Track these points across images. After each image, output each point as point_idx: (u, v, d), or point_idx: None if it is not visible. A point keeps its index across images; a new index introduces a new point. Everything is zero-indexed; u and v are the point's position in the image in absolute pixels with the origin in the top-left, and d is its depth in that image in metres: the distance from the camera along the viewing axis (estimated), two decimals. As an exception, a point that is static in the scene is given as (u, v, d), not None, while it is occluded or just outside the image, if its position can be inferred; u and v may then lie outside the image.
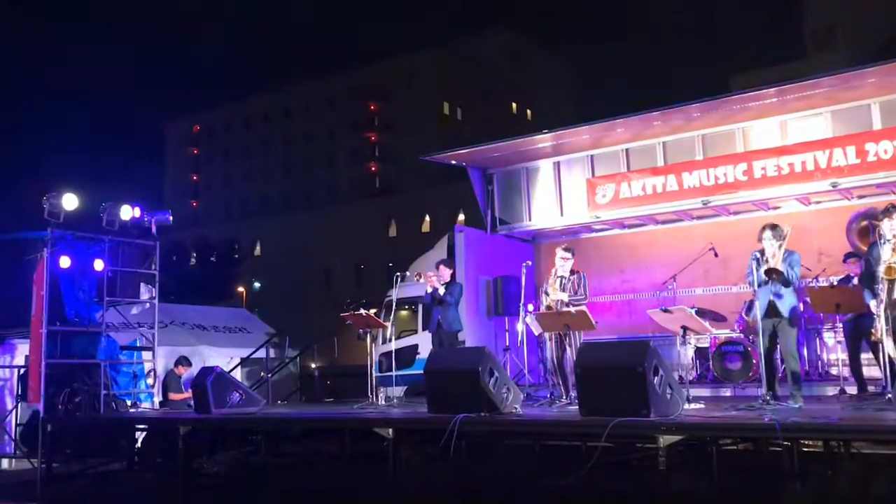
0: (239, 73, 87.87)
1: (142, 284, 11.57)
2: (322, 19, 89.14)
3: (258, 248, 50.89)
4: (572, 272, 8.78)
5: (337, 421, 8.03)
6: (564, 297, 8.59)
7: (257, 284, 47.74)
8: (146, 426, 9.69)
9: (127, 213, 10.37)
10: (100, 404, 9.69)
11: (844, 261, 9.35)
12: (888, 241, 6.69)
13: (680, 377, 8.77)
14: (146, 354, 11.11)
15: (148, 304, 11.37)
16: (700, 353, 10.78)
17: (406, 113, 52.90)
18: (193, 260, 42.51)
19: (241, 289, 43.64)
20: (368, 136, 56.18)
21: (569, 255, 8.85)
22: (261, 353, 13.89)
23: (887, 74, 9.74)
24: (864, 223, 10.03)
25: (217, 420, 8.46)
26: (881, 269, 6.66)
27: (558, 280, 8.76)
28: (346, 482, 7.88)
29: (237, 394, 8.70)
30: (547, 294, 8.83)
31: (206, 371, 8.94)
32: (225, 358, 13.66)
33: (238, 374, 13.49)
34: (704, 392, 9.82)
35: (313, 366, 16.32)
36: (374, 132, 55.98)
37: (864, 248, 9.48)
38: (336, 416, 8.29)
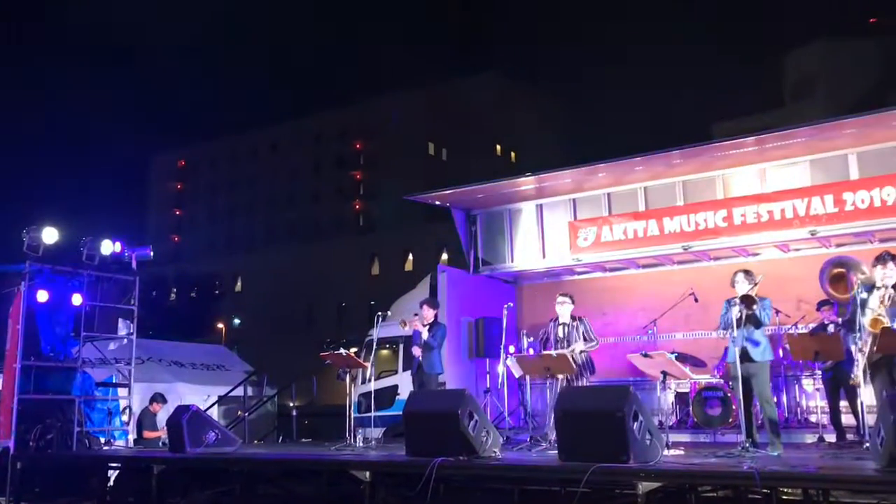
0: (226, 108, 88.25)
1: (120, 320, 11.46)
2: (307, 59, 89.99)
3: (239, 283, 50.60)
4: (573, 318, 8.92)
5: (313, 462, 7.91)
6: (583, 346, 8.69)
7: (237, 321, 47.40)
8: (119, 464, 9.50)
9: (107, 247, 10.30)
10: (72, 441, 9.52)
11: (818, 308, 9.43)
12: (878, 288, 6.75)
13: (660, 422, 8.76)
14: (122, 391, 10.95)
15: (125, 340, 11.25)
16: (680, 398, 10.77)
17: (391, 152, 53.20)
18: (174, 295, 42.20)
19: (220, 325, 43.28)
20: (353, 174, 56.40)
21: (567, 299, 9.00)
22: (238, 392, 13.73)
23: (864, 126, 9.94)
24: (837, 270, 10.14)
25: (192, 459, 8.31)
26: (867, 320, 6.70)
27: (561, 328, 8.89)
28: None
29: (213, 433, 8.58)
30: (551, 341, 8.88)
31: (181, 409, 8.81)
32: (202, 395, 13.48)
33: (215, 413, 13.31)
34: (684, 437, 9.80)
35: (291, 405, 16.14)
36: (360, 170, 56.22)
37: (837, 295, 9.59)
38: (312, 458, 8.18)
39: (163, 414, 11.15)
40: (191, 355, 15.38)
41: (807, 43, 41.91)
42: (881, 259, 6.83)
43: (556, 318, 8.97)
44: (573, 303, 9.01)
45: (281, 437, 13.30)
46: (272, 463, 8.53)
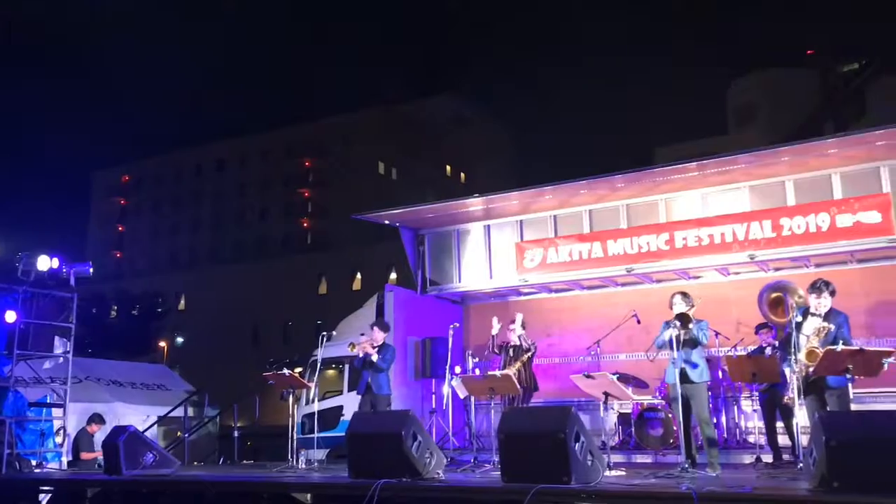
0: (172, 124, 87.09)
1: (56, 337, 11.12)
2: (255, 76, 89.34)
3: (183, 302, 49.65)
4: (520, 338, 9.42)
5: (254, 485, 7.77)
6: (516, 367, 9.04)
7: (180, 340, 46.46)
8: (51, 488, 9.17)
9: (44, 263, 10.04)
10: (2, 464, 9.18)
11: (757, 332, 9.66)
12: (813, 315, 6.93)
13: (603, 443, 8.84)
14: (56, 411, 10.62)
15: (61, 359, 10.93)
16: (623, 418, 10.90)
17: (341, 170, 53.02)
18: (114, 312, 41.16)
19: (163, 344, 42.36)
20: (302, 192, 55.99)
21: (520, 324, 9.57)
22: (179, 412, 13.44)
23: (799, 154, 10.27)
24: (775, 295, 10.40)
25: (128, 482, 8.09)
26: (802, 351, 6.86)
27: (512, 349, 9.34)
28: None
29: (150, 454, 8.38)
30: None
31: (118, 430, 8.59)
32: (141, 416, 13.21)
33: (154, 433, 13.02)
34: (626, 458, 9.90)
35: (234, 426, 15.88)
36: (308, 188, 55.86)
37: (775, 319, 9.83)
38: (253, 480, 8.03)
39: (101, 435, 10.84)
40: (130, 374, 15.07)
41: (748, 72, 43.21)
42: (816, 288, 6.99)
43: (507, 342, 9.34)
44: (524, 328, 9.50)
45: (222, 459, 13.04)
46: (211, 485, 8.31)
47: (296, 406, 9.72)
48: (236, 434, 12.79)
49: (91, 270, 10.68)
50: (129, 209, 63.02)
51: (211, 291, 46.11)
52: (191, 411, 13.86)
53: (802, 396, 6.89)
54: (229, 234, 56.41)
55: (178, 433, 13.28)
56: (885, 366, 6.64)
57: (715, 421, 9.86)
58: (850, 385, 6.77)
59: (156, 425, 13.36)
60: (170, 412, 13.48)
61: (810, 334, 6.85)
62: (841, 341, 6.70)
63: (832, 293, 6.97)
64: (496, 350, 9.92)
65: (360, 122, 53.05)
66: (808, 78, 39.99)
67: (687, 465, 7.30)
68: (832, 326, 6.80)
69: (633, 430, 10.33)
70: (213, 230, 57.53)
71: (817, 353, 6.67)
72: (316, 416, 10.15)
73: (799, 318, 7.05)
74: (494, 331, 9.80)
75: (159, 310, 42.47)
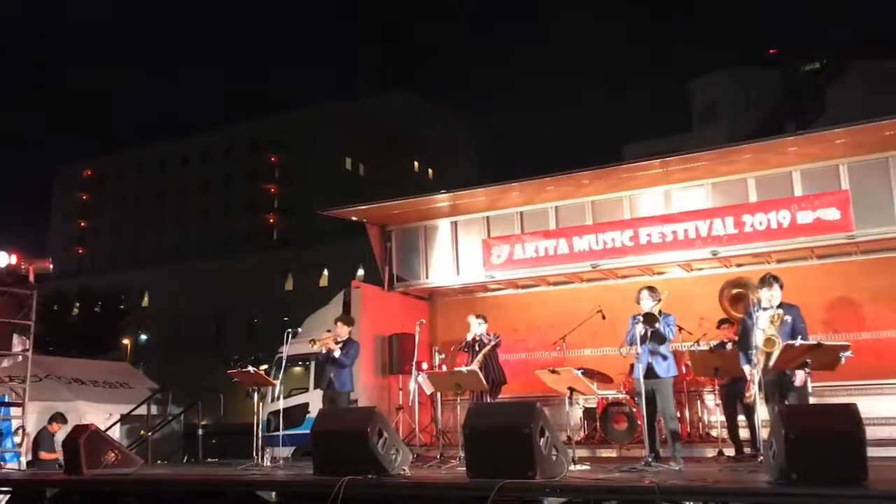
0: (135, 119, 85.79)
1: (14, 335, 10.92)
2: (218, 69, 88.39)
3: (146, 298, 49.00)
4: (487, 334, 9.43)
5: (218, 483, 7.69)
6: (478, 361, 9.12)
7: (144, 337, 45.86)
8: (9, 489, 8.99)
9: (2, 259, 9.84)
10: (-42, 465, 9.00)
11: (718, 327, 9.79)
12: (765, 309, 7.07)
13: (568, 437, 8.91)
14: (15, 411, 10.43)
15: (20, 357, 10.72)
16: (588, 413, 10.99)
17: (307, 166, 52.67)
18: (76, 310, 40.45)
19: (126, 341, 41.75)
20: (268, 188, 55.55)
21: (481, 320, 9.49)
22: (142, 410, 13.27)
23: (761, 152, 10.42)
24: (735, 291, 10.56)
25: (88, 481, 7.96)
26: (760, 339, 7.00)
27: (477, 344, 9.42)
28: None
29: (112, 453, 8.26)
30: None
31: (79, 429, 8.45)
32: (104, 414, 13.04)
33: (117, 432, 12.85)
34: (592, 452, 9.99)
35: (198, 424, 15.73)
36: (274, 184, 55.41)
37: (736, 314, 9.98)
38: (217, 478, 7.95)
39: (62, 434, 10.66)
40: (93, 373, 14.86)
41: (712, 70, 43.73)
42: (765, 281, 7.19)
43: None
44: (486, 322, 9.48)
45: (186, 457, 12.91)
46: (175, 484, 8.24)
47: (261, 404, 9.64)
48: (201, 432, 12.67)
49: (51, 267, 10.50)
50: (91, 205, 62.05)
51: (175, 288, 45.57)
52: (154, 409, 13.70)
53: (763, 390, 7.00)
54: (193, 231, 55.77)
55: (142, 432, 13.12)
56: (843, 360, 6.79)
57: (678, 415, 10.00)
58: (808, 379, 6.89)
59: (119, 424, 13.18)
60: (133, 410, 13.30)
61: (766, 326, 6.98)
62: (800, 336, 6.84)
63: (781, 286, 7.17)
64: (464, 348, 9.93)
65: (326, 118, 52.75)
66: (771, 77, 40.63)
67: (651, 459, 7.39)
68: (788, 317, 6.95)
69: (598, 424, 10.42)
70: (177, 226, 56.84)
71: (775, 341, 6.81)
72: (281, 413, 10.09)
73: (757, 314, 7.18)
74: (470, 336, 9.77)
75: (122, 307, 41.78)
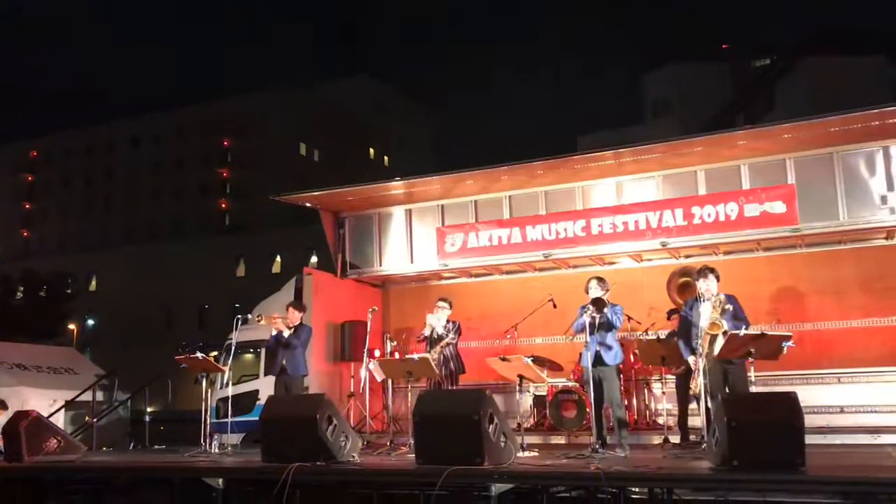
0: (84, 98, 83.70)
1: (-46, 320, 10.62)
2: (173, 48, 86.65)
3: (94, 283, 48.01)
4: (449, 321, 9.31)
5: (164, 470, 7.61)
6: (441, 345, 9.11)
7: (91, 322, 44.95)
8: (-54, 476, 8.77)
9: (-59, 241, 9.54)
10: None
11: (669, 318, 9.96)
12: (707, 299, 7.23)
13: (518, 424, 9.00)
14: (-47, 397, 10.15)
15: (-40, 342, 10.44)
16: (538, 401, 11.10)
17: (261, 151, 52.01)
18: (20, 293, 39.45)
19: (72, 326, 40.88)
20: (220, 172, 54.73)
21: (446, 305, 9.34)
22: (88, 396, 13.02)
23: (710, 145, 10.61)
24: (682, 280, 10.75)
25: (29, 469, 7.80)
26: (704, 325, 7.17)
27: (437, 336, 9.26)
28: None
29: (55, 440, 8.09)
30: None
31: (20, 415, 8.27)
32: (47, 400, 12.76)
33: (61, 418, 12.59)
34: (541, 439, 10.11)
35: (146, 410, 15.49)
36: (227, 168, 54.62)
37: (683, 303, 10.17)
38: (163, 465, 7.86)
39: (2, 420, 10.41)
40: (37, 358, 14.54)
41: (665, 64, 44.31)
42: (701, 273, 7.45)
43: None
44: (451, 308, 9.35)
45: (133, 444, 12.70)
46: (120, 471, 8.13)
47: (210, 390, 9.53)
48: (148, 419, 12.49)
49: (-7, 249, 10.20)
50: (37, 186, 60.45)
51: (124, 272, 44.73)
52: (100, 396, 13.44)
53: (708, 378, 7.16)
54: (143, 214, 54.74)
55: (87, 418, 12.86)
56: (785, 350, 6.98)
57: (626, 403, 10.16)
58: (749, 363, 7.05)
59: (63, 410, 12.91)
60: (77, 396, 13.04)
61: (708, 313, 7.15)
62: (743, 324, 7.02)
63: (717, 278, 7.42)
64: (419, 339, 9.87)
65: (281, 102, 52.10)
66: (722, 72, 41.31)
67: (598, 446, 7.51)
68: (729, 306, 7.15)
69: (547, 411, 10.54)
70: (126, 209, 55.72)
71: (719, 325, 6.99)
72: (230, 400, 9.99)
73: (701, 305, 7.35)
74: (427, 330, 9.64)
75: (69, 291, 40.91)
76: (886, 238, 10.53)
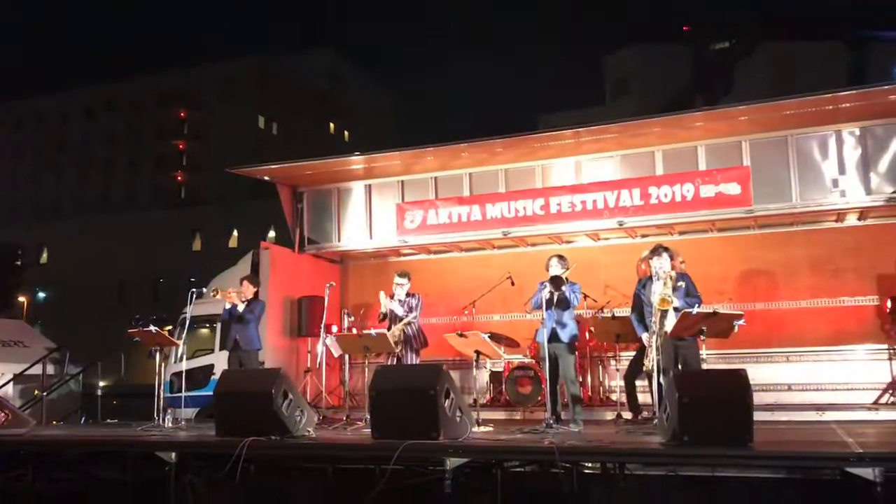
0: (35, 66, 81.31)
1: None
2: (126, 17, 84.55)
3: (45, 255, 46.94)
4: (408, 294, 9.12)
5: (115, 444, 7.51)
6: (397, 323, 8.92)
7: (42, 295, 44.01)
8: None
9: None
10: None
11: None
12: (660, 277, 7.33)
13: (474, 400, 9.07)
14: None
15: None
16: (495, 377, 11.20)
17: (218, 123, 51.14)
18: (-33, 265, 38.40)
19: (22, 299, 39.98)
20: (176, 144, 53.71)
21: (405, 280, 9.16)
22: (38, 370, 12.78)
23: (668, 126, 10.71)
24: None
25: (-25, 443, 7.63)
26: (655, 302, 7.28)
27: (396, 303, 9.03)
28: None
29: (2, 413, 7.93)
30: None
31: (-34, 389, 8.08)
32: (-4, 373, 12.50)
33: (10, 392, 12.35)
34: (497, 415, 10.20)
35: (97, 384, 15.26)
36: (183, 140, 53.63)
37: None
38: (115, 439, 7.76)
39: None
40: (-16, 331, 14.20)
41: (625, 45, 44.49)
42: (655, 251, 7.58)
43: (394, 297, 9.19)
44: (409, 281, 9.21)
45: (84, 419, 12.51)
46: (69, 445, 8.00)
47: (163, 364, 9.41)
48: (100, 392, 12.30)
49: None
50: (-15, 155, 58.69)
51: (76, 245, 43.76)
52: (51, 369, 13.22)
53: (660, 354, 7.27)
54: (97, 186, 53.56)
55: (36, 391, 12.63)
56: (736, 328, 7.12)
57: (581, 380, 10.29)
58: (701, 341, 7.18)
59: (11, 383, 12.68)
60: (27, 369, 12.79)
61: (660, 290, 7.25)
62: (696, 303, 7.14)
63: (671, 256, 7.53)
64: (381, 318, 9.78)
65: (239, 74, 51.21)
66: (682, 54, 41.58)
67: (552, 421, 7.60)
68: (681, 283, 7.27)
69: (503, 387, 10.63)
70: (79, 181, 54.44)
71: (669, 300, 7.10)
72: (184, 374, 9.88)
73: (653, 285, 7.45)
74: (384, 308, 9.47)
75: (19, 263, 39.93)
76: (836, 221, 10.77)
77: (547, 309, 7.82)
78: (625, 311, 10.09)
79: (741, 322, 7.10)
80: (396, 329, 9.06)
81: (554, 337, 7.87)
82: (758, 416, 5.88)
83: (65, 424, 11.80)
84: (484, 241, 12.06)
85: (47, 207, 53.77)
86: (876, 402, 9.57)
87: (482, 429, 7.46)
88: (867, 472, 4.94)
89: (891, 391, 9.70)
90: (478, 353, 8.08)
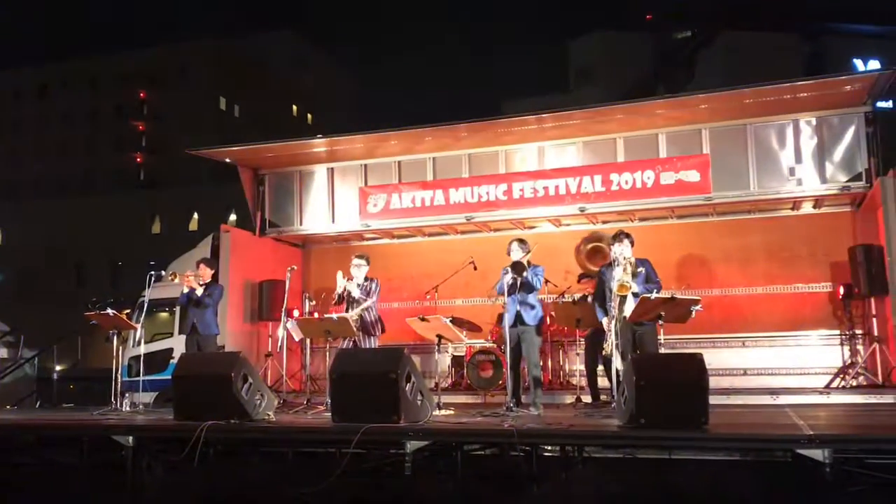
0: (-12, 41, 79.07)
1: None
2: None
3: (0, 236, 45.90)
4: (366, 279, 8.85)
5: (71, 428, 7.40)
6: (355, 304, 8.62)
7: (-4, 277, 43.03)
8: None
9: None
10: None
11: (579, 281, 10.19)
12: (620, 263, 7.42)
13: (436, 384, 9.11)
14: None
15: None
16: (456, 361, 11.26)
17: (179, 104, 50.30)
18: (-82, 247, 37.46)
19: (-25, 281, 39.11)
20: (135, 125, 52.71)
21: (363, 262, 8.90)
22: (-9, 353, 12.54)
23: (631, 113, 10.82)
24: (591, 245, 11.01)
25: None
26: (614, 287, 7.37)
27: (354, 285, 8.76)
28: (81, 495, 7.27)
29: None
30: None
31: (-84, 372, 7.89)
32: (-54, 357, 12.23)
33: (-39, 377, 12.10)
34: (458, 399, 10.24)
35: (57, 368, 15.01)
36: (142, 121, 52.66)
37: (593, 268, 10.42)
38: (71, 423, 7.65)
39: None
40: (-65, 314, 13.86)
41: (589, 32, 44.66)
42: (617, 237, 7.65)
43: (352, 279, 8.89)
44: (368, 264, 8.96)
45: (39, 403, 12.32)
46: (24, 429, 7.88)
47: (121, 348, 9.30)
48: (56, 376, 12.11)
49: None
50: (-66, 134, 57.04)
51: (32, 227, 42.80)
52: (5, 352, 12.99)
53: (619, 338, 7.36)
54: (52, 167, 52.35)
55: (-11, 376, 12.40)
56: (693, 313, 7.23)
57: (541, 364, 10.39)
58: (659, 326, 7.28)
59: (-37, 368, 12.43)
60: (-20, 354, 12.55)
61: (619, 275, 7.34)
62: (654, 288, 7.24)
63: (632, 242, 7.58)
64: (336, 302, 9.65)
65: (201, 54, 50.36)
66: (645, 42, 41.87)
67: (512, 405, 7.65)
68: (641, 269, 7.36)
69: (465, 371, 10.68)
70: (34, 160, 53.16)
71: (627, 286, 7.19)
72: (142, 358, 9.76)
73: (612, 270, 7.53)
74: (339, 288, 9.29)
75: (-29, 245, 39.03)
76: (792, 209, 10.99)
77: (510, 294, 7.86)
78: (577, 296, 10.24)
79: (698, 307, 7.21)
80: (355, 313, 8.87)
81: (519, 320, 7.90)
82: (714, 399, 6.00)
83: (19, 409, 11.60)
84: (447, 225, 12.08)
85: (1, 188, 52.50)
86: (828, 387, 9.81)
87: (443, 412, 7.49)
88: (817, 454, 5.07)
89: (842, 375, 9.95)
90: (440, 337, 8.10)
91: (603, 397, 9.38)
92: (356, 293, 8.64)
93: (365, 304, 8.66)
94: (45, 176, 52.08)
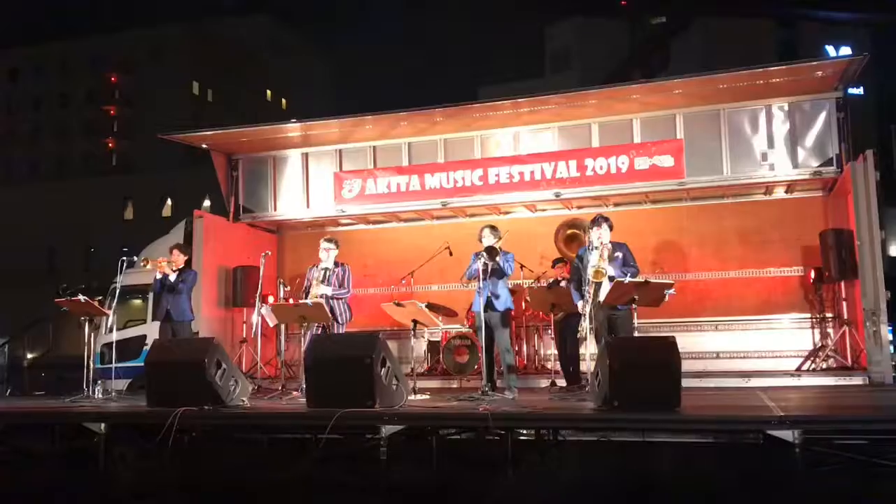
0: (-46, 24, 77.26)
1: None
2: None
3: (-32, 223, 45.14)
4: (336, 264, 8.72)
5: (43, 416, 7.32)
6: (328, 290, 8.50)
7: (-35, 264, 42.34)
8: None
9: None
10: None
11: (553, 266, 10.22)
12: (596, 248, 7.44)
13: (412, 369, 9.11)
14: None
15: None
16: (432, 346, 11.27)
17: (152, 88, 49.65)
18: None
19: (-56, 268, 38.47)
20: (107, 110, 51.99)
21: (332, 245, 8.75)
22: (-41, 341, 12.35)
23: (605, 98, 10.84)
24: (569, 231, 11.04)
25: None
26: (590, 273, 7.39)
27: (322, 272, 8.65)
28: (53, 483, 7.20)
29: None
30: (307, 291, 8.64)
31: None
32: (-87, 345, 12.03)
33: (-70, 365, 11.92)
34: (434, 384, 10.27)
35: (28, 355, 14.83)
36: (114, 105, 51.93)
37: (570, 254, 10.45)
38: (42, 411, 7.56)
39: None
40: None
41: (564, 18, 44.62)
42: (595, 222, 7.63)
43: (317, 264, 8.78)
44: (337, 248, 8.84)
45: (10, 390, 12.17)
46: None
47: (94, 335, 9.18)
48: (26, 364, 11.96)
49: None
50: None
51: (2, 212, 42.17)
52: (-26, 340, 12.78)
53: (593, 326, 7.40)
54: (22, 152, 51.54)
55: (-42, 364, 12.22)
56: (667, 297, 7.28)
57: (516, 348, 10.43)
58: (634, 310, 7.33)
59: (-68, 356, 12.23)
60: (-52, 341, 12.36)
61: (594, 261, 7.36)
62: (630, 272, 7.27)
63: (610, 227, 7.57)
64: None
65: (172, 38, 49.69)
66: (621, 28, 41.98)
67: (487, 389, 7.68)
68: (618, 253, 7.39)
69: (440, 357, 10.70)
70: (4, 145, 52.31)
71: (602, 272, 7.22)
72: (115, 345, 9.66)
73: (587, 255, 7.55)
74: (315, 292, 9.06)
75: (-61, 231, 38.33)
76: (765, 193, 11.09)
77: (482, 279, 7.87)
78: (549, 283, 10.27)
79: (672, 291, 7.26)
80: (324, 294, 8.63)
81: (489, 306, 7.93)
82: (687, 382, 6.06)
83: (-11, 397, 11.46)
84: (423, 211, 12.05)
85: (-30, 174, 51.63)
86: (798, 369, 9.95)
87: (418, 397, 7.51)
88: (787, 435, 5.15)
89: (812, 358, 10.10)
90: (415, 322, 8.10)
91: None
92: (329, 291, 8.45)
93: (340, 295, 8.57)
94: (14, 162, 51.28)
